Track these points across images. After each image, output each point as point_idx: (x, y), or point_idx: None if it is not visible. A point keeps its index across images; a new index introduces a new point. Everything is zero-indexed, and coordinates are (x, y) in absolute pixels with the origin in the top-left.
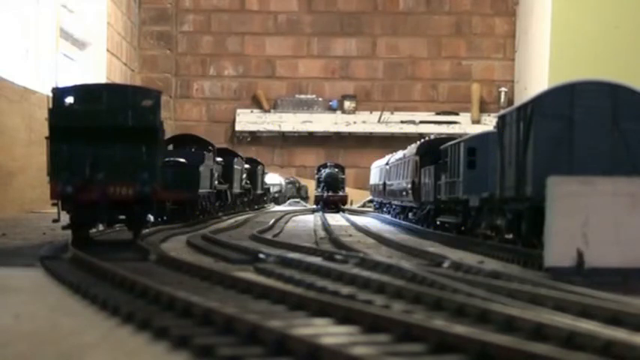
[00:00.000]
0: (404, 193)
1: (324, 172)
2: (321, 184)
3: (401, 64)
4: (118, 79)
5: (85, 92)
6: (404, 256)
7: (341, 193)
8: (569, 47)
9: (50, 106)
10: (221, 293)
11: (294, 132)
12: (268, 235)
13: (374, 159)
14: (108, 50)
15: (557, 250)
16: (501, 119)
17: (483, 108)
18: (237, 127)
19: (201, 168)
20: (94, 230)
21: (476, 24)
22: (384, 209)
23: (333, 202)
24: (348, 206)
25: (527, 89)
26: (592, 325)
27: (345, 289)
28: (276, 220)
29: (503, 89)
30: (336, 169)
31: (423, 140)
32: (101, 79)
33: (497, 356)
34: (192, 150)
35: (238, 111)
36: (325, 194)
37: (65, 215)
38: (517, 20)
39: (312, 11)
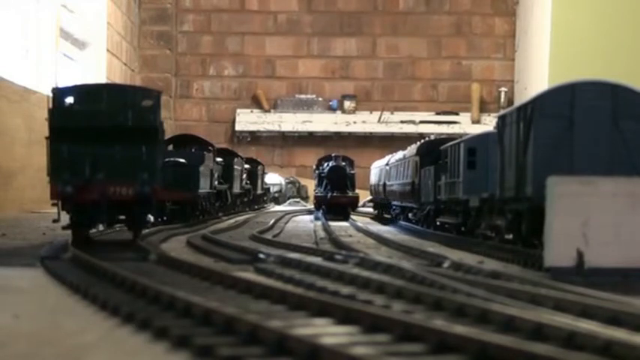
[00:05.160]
0: (404, 193)
1: (328, 165)
2: (324, 182)
3: (401, 64)
4: (118, 79)
5: (85, 92)
6: (404, 256)
7: (350, 194)
8: (569, 47)
9: (50, 106)
10: (221, 293)
11: (294, 132)
12: (268, 236)
13: (374, 159)
14: (108, 50)
15: (557, 250)
16: (501, 119)
17: (483, 108)
18: (237, 127)
19: (201, 168)
20: (94, 230)
21: (476, 24)
22: (384, 210)
23: (339, 205)
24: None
25: (527, 89)
26: (592, 325)
27: (345, 289)
28: (276, 221)
29: (503, 89)
30: (344, 163)
31: (423, 140)
32: (101, 79)
33: (497, 356)
34: (192, 150)
35: (238, 111)
36: (329, 195)
37: (65, 215)
38: (517, 20)
39: (312, 11)
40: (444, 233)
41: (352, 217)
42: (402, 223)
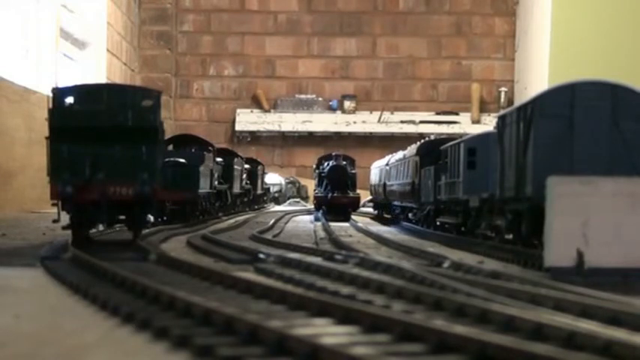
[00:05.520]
0: (404, 193)
1: (328, 165)
2: (324, 182)
3: (401, 64)
4: (118, 79)
5: (85, 92)
6: (404, 256)
7: (351, 194)
8: (569, 47)
9: (50, 106)
10: (221, 293)
11: (294, 132)
12: (268, 236)
13: (374, 159)
14: (108, 50)
15: (557, 250)
16: (501, 119)
17: (483, 108)
18: (237, 127)
19: (201, 168)
20: (94, 230)
21: (476, 24)
22: (384, 210)
23: (340, 206)
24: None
25: (527, 89)
26: (592, 325)
27: (345, 289)
28: (276, 221)
29: (503, 89)
30: (344, 162)
31: (423, 140)
32: (101, 79)
33: (497, 356)
34: (192, 150)
35: (238, 111)
36: (330, 195)
37: (65, 215)
38: (517, 20)
39: (312, 11)
40: (444, 233)
41: (352, 217)
42: (403, 223)
